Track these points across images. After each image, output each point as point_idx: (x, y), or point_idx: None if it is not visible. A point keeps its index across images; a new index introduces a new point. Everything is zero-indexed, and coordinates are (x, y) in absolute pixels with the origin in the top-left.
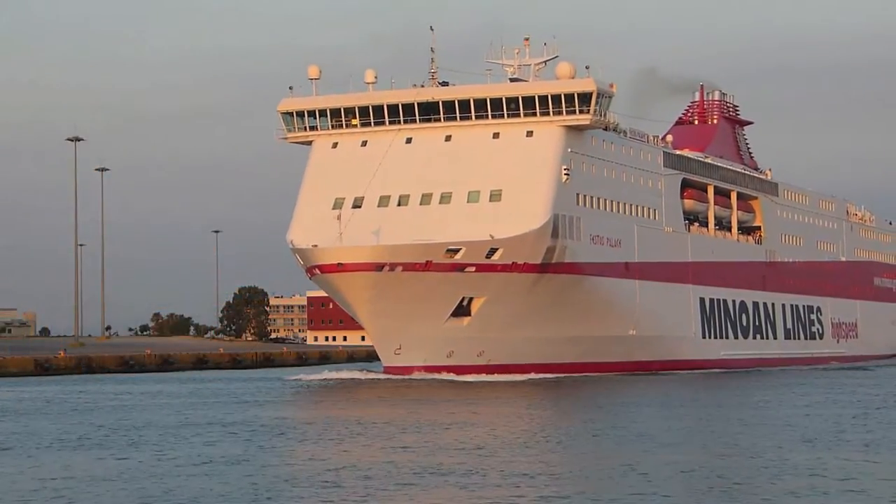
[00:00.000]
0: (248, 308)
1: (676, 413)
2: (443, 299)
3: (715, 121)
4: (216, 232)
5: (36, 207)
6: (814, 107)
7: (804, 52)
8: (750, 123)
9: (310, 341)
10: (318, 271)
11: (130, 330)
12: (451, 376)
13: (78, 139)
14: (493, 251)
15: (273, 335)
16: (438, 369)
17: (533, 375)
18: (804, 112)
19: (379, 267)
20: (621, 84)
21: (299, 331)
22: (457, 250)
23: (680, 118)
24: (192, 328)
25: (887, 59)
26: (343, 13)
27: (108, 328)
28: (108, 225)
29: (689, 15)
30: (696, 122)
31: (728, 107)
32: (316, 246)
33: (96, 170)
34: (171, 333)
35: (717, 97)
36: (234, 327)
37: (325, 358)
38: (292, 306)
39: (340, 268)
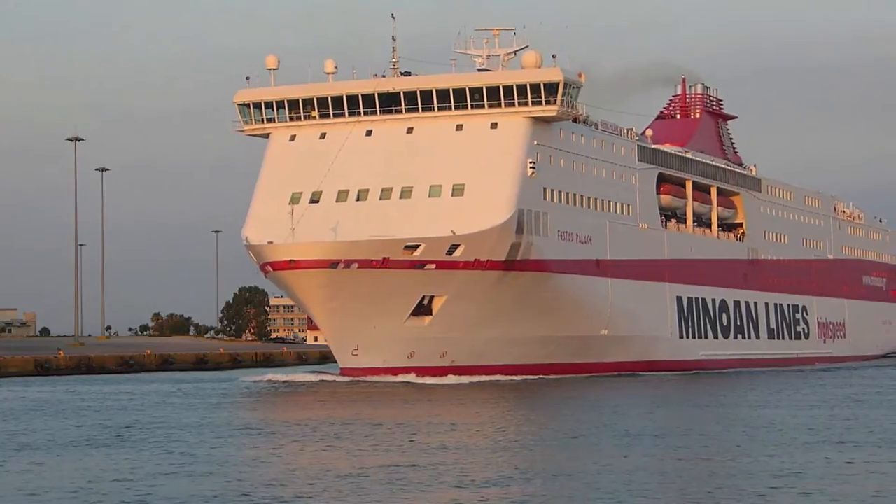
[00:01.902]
0: (248, 308)
1: (636, 414)
2: (402, 298)
3: (697, 115)
4: (216, 232)
5: (36, 207)
6: (802, 104)
7: (792, 51)
8: (734, 118)
9: (310, 341)
10: (270, 269)
11: (130, 330)
12: (392, 378)
13: (78, 139)
14: (454, 248)
15: (273, 335)
16: (397, 370)
17: (499, 377)
18: (792, 108)
19: (333, 264)
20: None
21: (299, 331)
22: (416, 247)
23: (661, 112)
24: (192, 328)
25: (880, 59)
26: (337, 11)
27: (108, 328)
28: (108, 225)
29: (674, 10)
30: (678, 116)
31: (711, 100)
32: (271, 242)
33: (96, 170)
34: (171, 333)
35: (699, 90)
36: (234, 327)
37: (325, 358)
38: (292, 306)
39: (293, 265)
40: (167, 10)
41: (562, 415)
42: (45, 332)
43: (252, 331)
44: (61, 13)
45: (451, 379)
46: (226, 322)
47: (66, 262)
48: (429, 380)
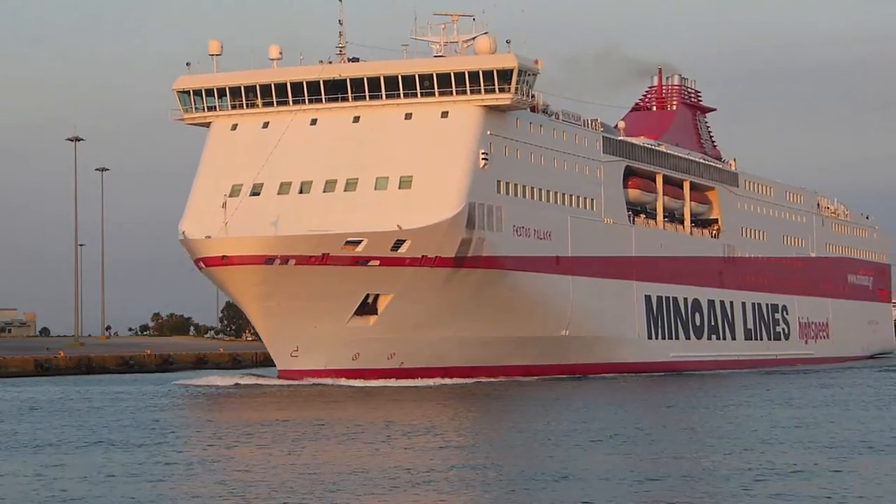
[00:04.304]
0: None
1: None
2: (344, 296)
3: (674, 107)
4: None
5: (36, 207)
6: (787, 101)
7: (778, 50)
8: (712, 110)
9: None
10: (203, 265)
11: (130, 330)
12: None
13: (78, 139)
14: (399, 243)
15: None
16: (340, 374)
17: (453, 380)
18: (777, 104)
19: (268, 260)
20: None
21: None
22: (357, 242)
23: (636, 104)
24: (192, 328)
25: (873, 61)
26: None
27: (108, 328)
28: (108, 225)
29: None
30: (654, 107)
31: (688, 92)
32: (209, 237)
33: (96, 170)
34: (171, 333)
35: (676, 81)
36: (234, 327)
37: None
38: None
39: (225, 261)
40: (168, 9)
41: (514, 418)
42: (45, 332)
43: (252, 331)
44: (61, 13)
45: (398, 381)
46: (226, 322)
47: (66, 262)
48: (373, 382)
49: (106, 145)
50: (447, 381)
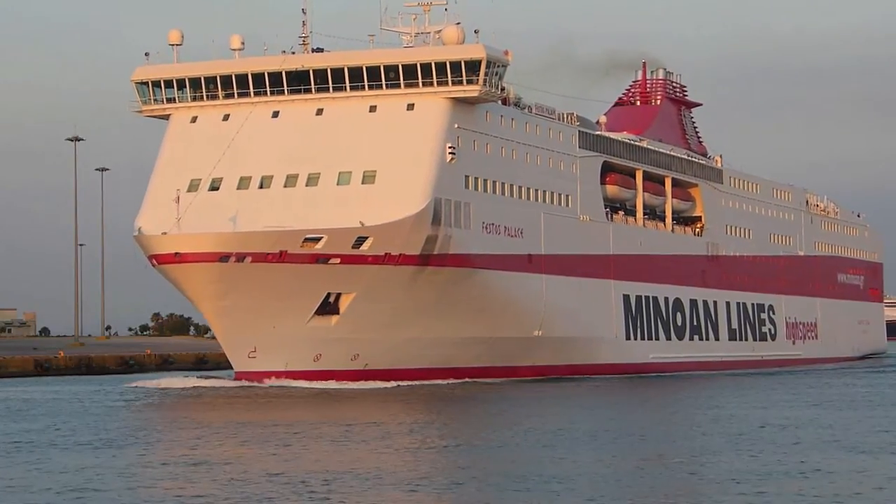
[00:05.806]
0: None
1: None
2: (304, 295)
3: (658, 101)
4: None
5: (36, 207)
6: (779, 99)
7: (769, 51)
8: (698, 105)
9: None
10: (155, 262)
11: (130, 330)
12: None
13: (78, 139)
14: (361, 240)
15: None
16: (298, 375)
17: (421, 382)
18: (768, 102)
19: (223, 258)
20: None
21: None
22: (317, 239)
23: (619, 99)
24: (192, 328)
25: (864, 58)
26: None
27: (108, 328)
28: (107, 225)
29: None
30: (638, 102)
31: (673, 86)
32: (166, 234)
33: (96, 170)
34: (171, 333)
35: (661, 76)
36: None
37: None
38: None
39: (178, 258)
40: (167, 9)
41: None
42: (45, 332)
43: None
44: (61, 14)
45: (363, 383)
46: None
47: (66, 262)
48: (334, 384)
49: (106, 145)
50: (418, 383)
